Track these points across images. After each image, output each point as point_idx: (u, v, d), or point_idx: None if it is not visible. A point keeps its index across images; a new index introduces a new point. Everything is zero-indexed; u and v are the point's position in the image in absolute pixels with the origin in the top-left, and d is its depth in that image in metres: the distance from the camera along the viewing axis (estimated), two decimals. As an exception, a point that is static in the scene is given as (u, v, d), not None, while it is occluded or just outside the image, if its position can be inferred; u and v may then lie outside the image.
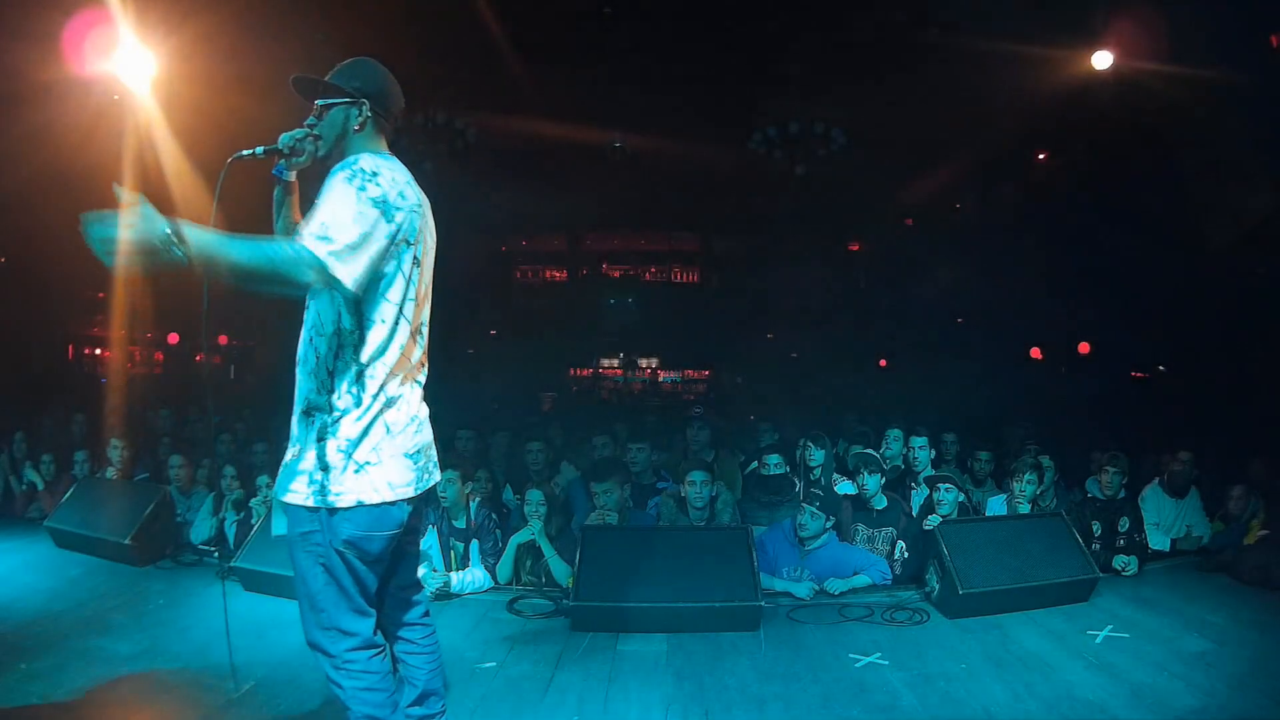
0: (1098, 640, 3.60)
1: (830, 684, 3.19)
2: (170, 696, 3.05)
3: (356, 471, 2.03)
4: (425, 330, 2.23)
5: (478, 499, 4.68)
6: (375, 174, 2.00)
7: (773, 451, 5.74)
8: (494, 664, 3.39)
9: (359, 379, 2.05)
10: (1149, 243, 9.39)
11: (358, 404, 2.05)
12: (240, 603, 4.14)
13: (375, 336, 2.06)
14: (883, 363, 15.37)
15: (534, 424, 7.58)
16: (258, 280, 1.81)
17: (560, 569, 4.31)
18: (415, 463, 2.13)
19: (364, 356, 2.05)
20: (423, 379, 2.24)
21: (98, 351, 14.41)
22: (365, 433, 2.04)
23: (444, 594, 4.18)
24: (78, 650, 3.43)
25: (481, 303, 15.51)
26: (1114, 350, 11.71)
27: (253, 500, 4.93)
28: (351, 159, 2.04)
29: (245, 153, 2.20)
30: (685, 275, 20.26)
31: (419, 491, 2.15)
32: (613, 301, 19.63)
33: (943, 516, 4.40)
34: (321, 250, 1.86)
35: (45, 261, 9.41)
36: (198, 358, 15.02)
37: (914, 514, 4.78)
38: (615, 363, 20.59)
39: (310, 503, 2.03)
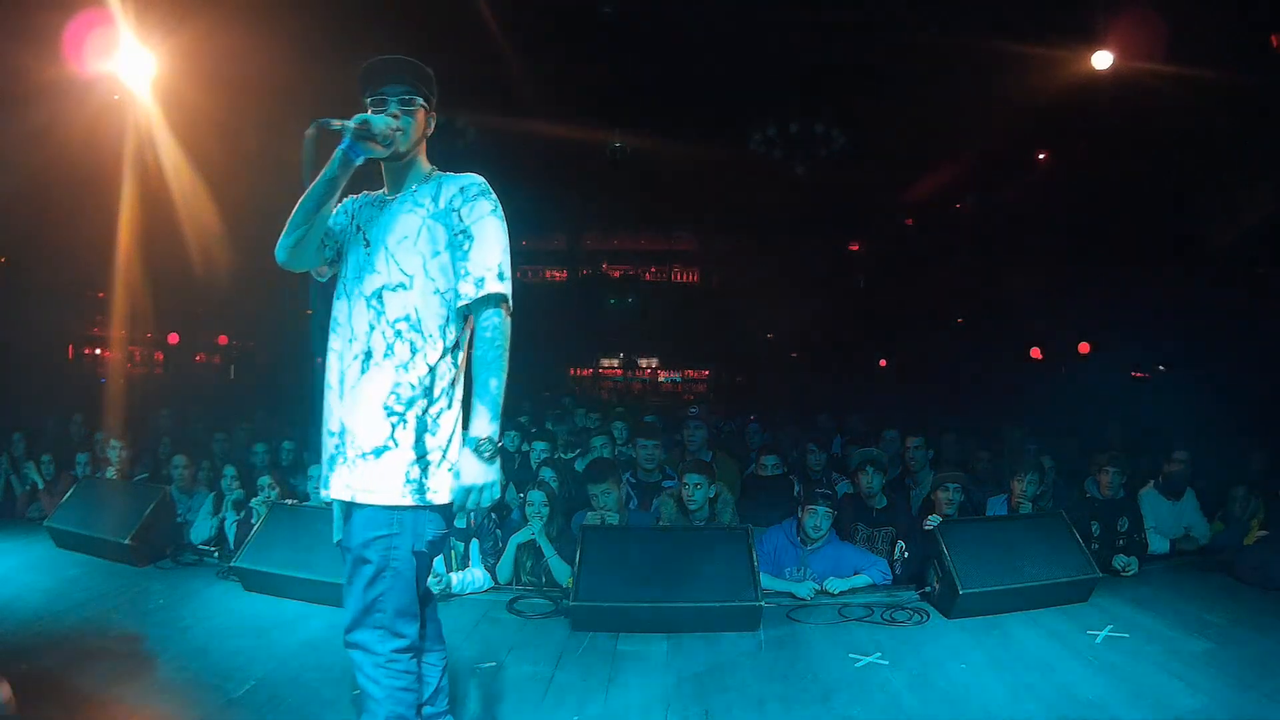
0: (1098, 640, 3.60)
1: (830, 684, 3.19)
2: (170, 696, 3.05)
3: (450, 469, 2.05)
4: None
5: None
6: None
7: (769, 452, 5.75)
8: (494, 664, 3.38)
9: (454, 381, 2.12)
10: (1149, 243, 9.40)
11: (451, 404, 2.11)
12: (240, 603, 4.14)
13: (464, 339, 2.14)
14: (883, 363, 15.38)
15: (532, 425, 7.58)
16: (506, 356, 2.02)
17: (560, 569, 4.31)
18: None
19: (460, 359, 2.13)
20: None
21: (98, 351, 14.40)
22: (454, 431, 2.10)
23: (444, 594, 4.18)
24: (78, 650, 3.43)
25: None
26: (1114, 350, 11.71)
27: (253, 500, 4.93)
28: (481, 182, 2.15)
29: (333, 124, 2.02)
30: (685, 275, 20.28)
31: None
32: (613, 301, 19.64)
33: (946, 516, 4.40)
34: (506, 289, 2.04)
35: (45, 261, 9.42)
36: (197, 358, 15.04)
37: (914, 514, 4.78)
38: (615, 363, 20.61)
39: (409, 500, 2.01)
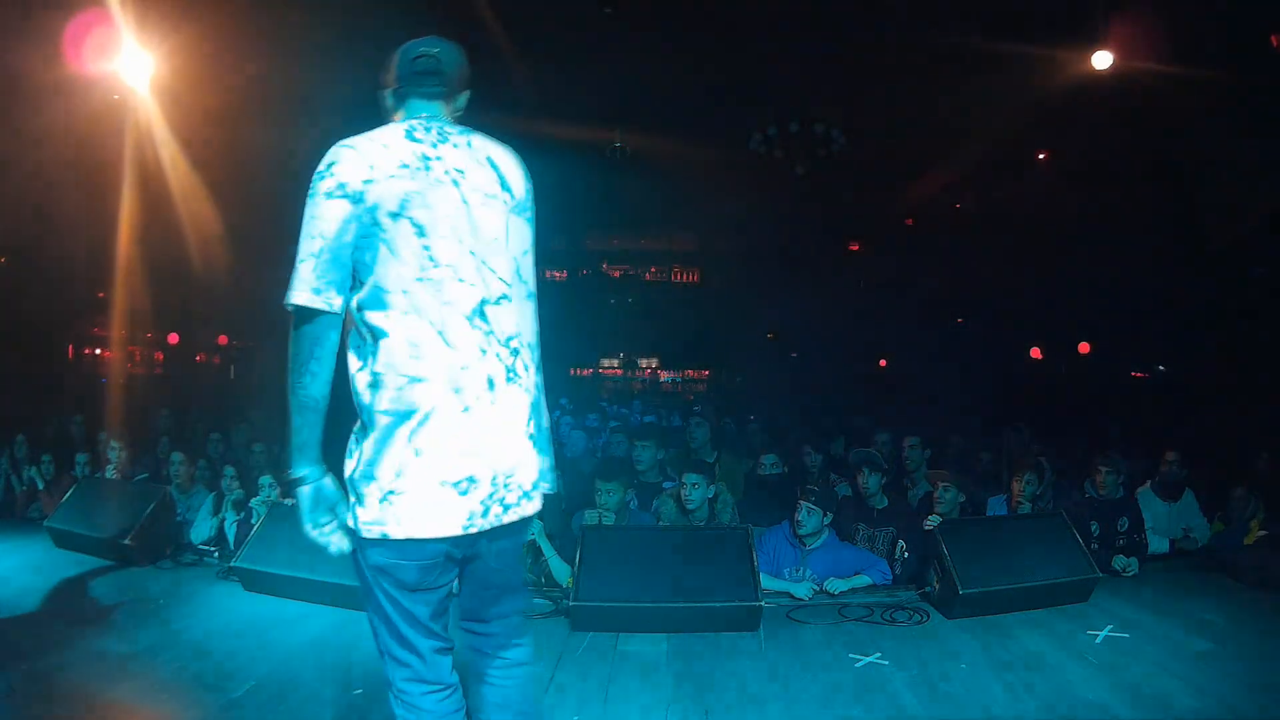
0: (1098, 640, 3.60)
1: (830, 684, 3.19)
2: (170, 696, 3.05)
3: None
4: None
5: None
6: None
7: (769, 452, 5.76)
8: (494, 664, 3.38)
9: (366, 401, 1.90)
10: (1149, 242, 9.40)
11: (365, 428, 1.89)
12: (240, 603, 4.14)
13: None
14: (883, 363, 15.38)
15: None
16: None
17: (560, 569, 4.31)
18: None
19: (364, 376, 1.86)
20: None
21: (98, 351, 14.40)
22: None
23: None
24: (78, 650, 3.43)
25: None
26: (1114, 350, 11.72)
27: (253, 500, 4.93)
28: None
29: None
30: (685, 275, 20.29)
31: None
32: (613, 301, 19.64)
33: (942, 516, 4.40)
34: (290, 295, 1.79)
35: (45, 262, 9.42)
36: (198, 358, 15.04)
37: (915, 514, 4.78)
38: (615, 363, 20.61)
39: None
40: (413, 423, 1.67)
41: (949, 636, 3.71)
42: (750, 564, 3.85)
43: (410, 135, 1.77)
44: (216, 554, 4.93)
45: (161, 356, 14.81)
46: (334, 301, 1.68)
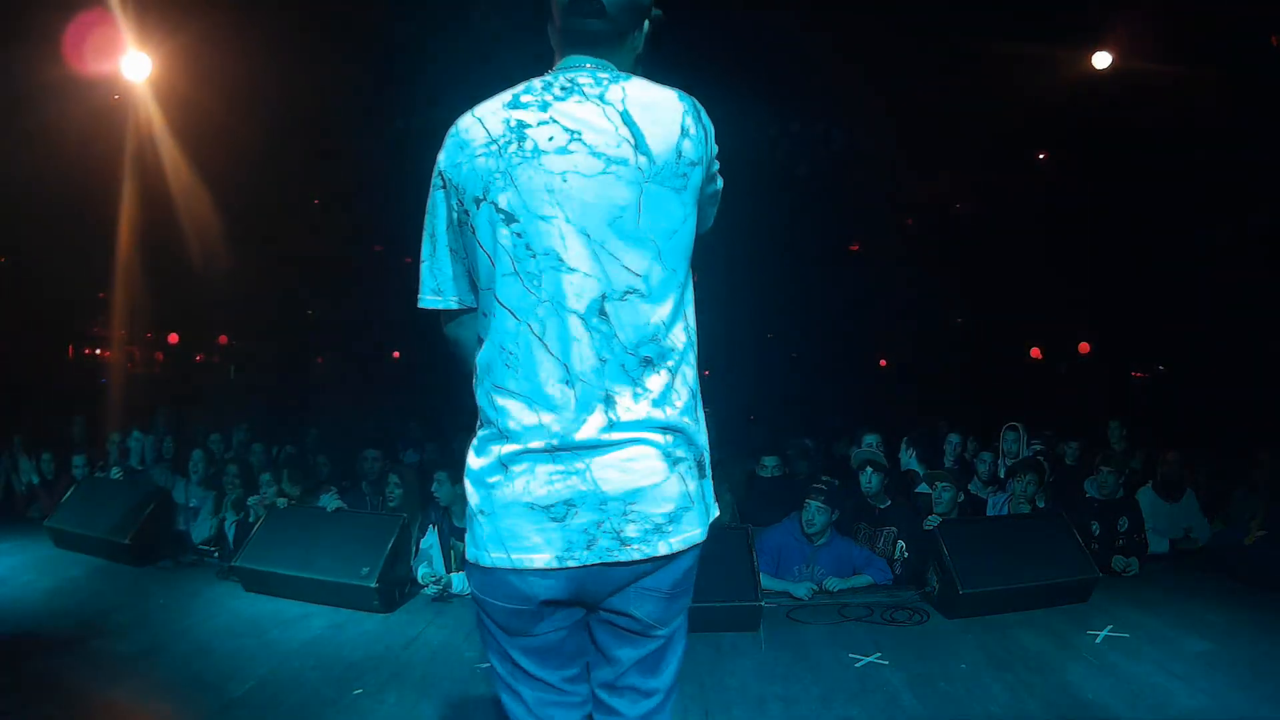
0: (1098, 640, 3.60)
1: (830, 684, 3.19)
2: (170, 696, 3.05)
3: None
4: None
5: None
6: None
7: (769, 453, 5.76)
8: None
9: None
10: (1149, 243, 9.40)
11: None
12: (240, 603, 4.14)
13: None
14: (883, 363, 15.39)
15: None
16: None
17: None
18: None
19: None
20: None
21: (98, 351, 14.40)
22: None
23: (444, 594, 4.18)
24: (78, 650, 3.43)
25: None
26: (1114, 350, 11.72)
27: (251, 500, 4.92)
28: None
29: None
30: (685, 275, 20.25)
31: None
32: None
33: (940, 515, 4.41)
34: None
35: (45, 261, 9.42)
36: (197, 358, 15.04)
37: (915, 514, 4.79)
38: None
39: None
40: (504, 436, 1.41)
41: (949, 636, 3.71)
42: (750, 564, 3.85)
43: (516, 101, 1.44)
44: (216, 554, 4.93)
45: (161, 356, 14.80)
46: (453, 299, 1.50)
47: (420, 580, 4.27)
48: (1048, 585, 4.02)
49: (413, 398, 10.05)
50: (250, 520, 4.79)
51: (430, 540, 4.48)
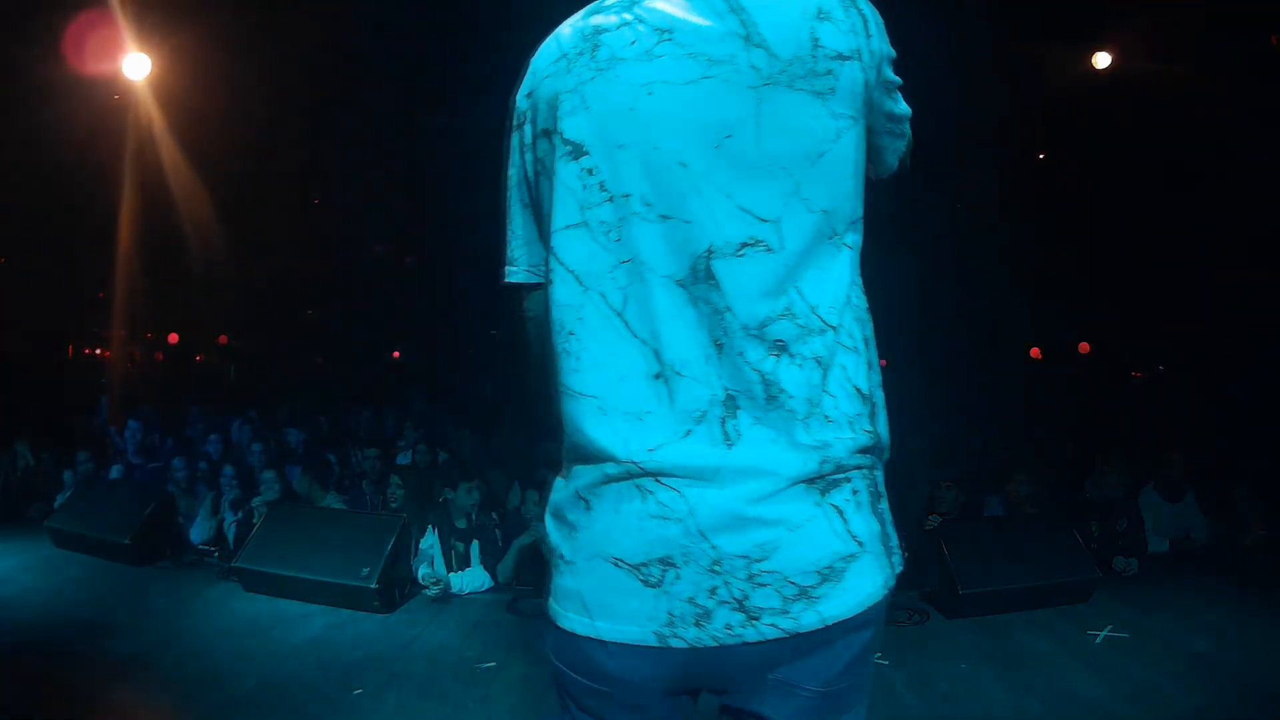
0: (1098, 640, 3.60)
1: (830, 684, 3.18)
2: (170, 696, 3.05)
3: None
4: None
5: (478, 499, 4.68)
6: None
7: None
8: (494, 664, 3.38)
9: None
10: (1149, 243, 9.40)
11: None
12: (240, 603, 4.14)
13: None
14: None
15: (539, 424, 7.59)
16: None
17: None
18: None
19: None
20: None
21: (98, 351, 14.41)
22: None
23: (444, 594, 4.18)
24: (78, 651, 3.43)
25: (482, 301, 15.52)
26: (1114, 350, 11.72)
27: (253, 500, 4.92)
28: None
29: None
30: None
31: None
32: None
33: (942, 515, 4.40)
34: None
35: (45, 261, 9.42)
36: (198, 358, 15.03)
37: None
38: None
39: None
40: (579, 457, 1.01)
41: (949, 636, 3.71)
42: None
43: (601, 3, 1.06)
44: (216, 554, 4.93)
45: (161, 356, 14.81)
46: (524, 270, 1.13)
47: (420, 580, 4.27)
48: (1048, 585, 4.02)
49: (412, 398, 10.04)
50: (251, 520, 4.79)
51: (430, 540, 4.48)
